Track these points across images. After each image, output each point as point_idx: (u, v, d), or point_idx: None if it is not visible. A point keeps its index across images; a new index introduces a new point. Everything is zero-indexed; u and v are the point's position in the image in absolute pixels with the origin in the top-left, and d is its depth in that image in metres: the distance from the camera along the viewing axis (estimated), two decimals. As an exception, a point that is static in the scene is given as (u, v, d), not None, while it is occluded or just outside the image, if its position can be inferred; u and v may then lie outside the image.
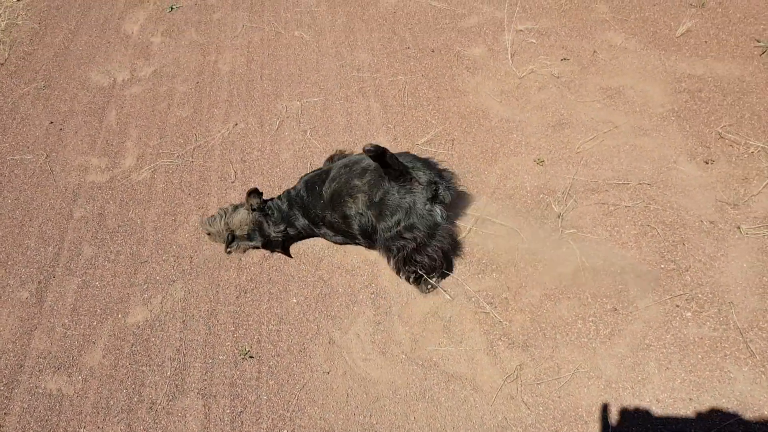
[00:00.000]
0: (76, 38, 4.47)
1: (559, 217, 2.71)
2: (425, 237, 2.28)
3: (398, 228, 2.26)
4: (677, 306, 2.41)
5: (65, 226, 3.07)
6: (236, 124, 3.51)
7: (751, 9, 3.60)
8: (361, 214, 2.38)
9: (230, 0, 4.62)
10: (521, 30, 3.80)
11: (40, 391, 2.47)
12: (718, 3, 3.71)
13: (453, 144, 3.15)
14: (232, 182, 3.15)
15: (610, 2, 3.88)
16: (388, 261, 2.37)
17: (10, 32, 4.58)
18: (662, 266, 2.51)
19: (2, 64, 4.25)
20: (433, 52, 3.79)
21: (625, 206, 2.72)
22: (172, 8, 4.65)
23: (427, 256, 2.34)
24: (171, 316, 2.64)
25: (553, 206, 2.77)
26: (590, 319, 2.41)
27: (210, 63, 4.02)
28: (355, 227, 2.43)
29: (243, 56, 4.03)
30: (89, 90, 3.96)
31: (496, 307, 2.49)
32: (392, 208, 2.26)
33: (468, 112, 3.31)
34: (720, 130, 2.97)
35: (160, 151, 3.42)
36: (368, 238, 2.45)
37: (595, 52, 3.54)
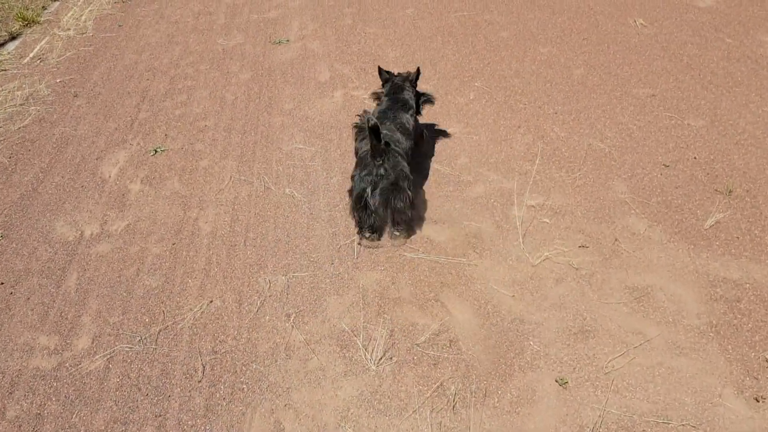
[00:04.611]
0: (46, 179, 4.09)
1: (589, 466, 2.22)
2: None
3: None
4: None
5: (-8, 430, 2.52)
6: (211, 301, 3.06)
7: (784, 203, 3.30)
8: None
9: (220, 147, 4.29)
10: (532, 206, 3.46)
11: None
12: (745, 191, 3.41)
13: (458, 346, 2.69)
14: (199, 381, 2.65)
15: (628, 181, 3.58)
16: None
17: (-23, 166, 4.20)
18: None
19: (-40, 206, 3.82)
20: (435, 223, 3.41)
21: (669, 456, 2.24)
22: (156, 151, 4.31)
23: None
24: None
25: (581, 449, 2.28)
26: None
27: (190, 220, 3.62)
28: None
29: (227, 214, 3.64)
30: (51, 245, 3.52)
31: None
32: None
33: (476, 305, 2.90)
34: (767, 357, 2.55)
35: (120, 331, 2.93)
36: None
37: (616, 240, 3.18)
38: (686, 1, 5.75)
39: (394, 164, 3.19)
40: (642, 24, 5.43)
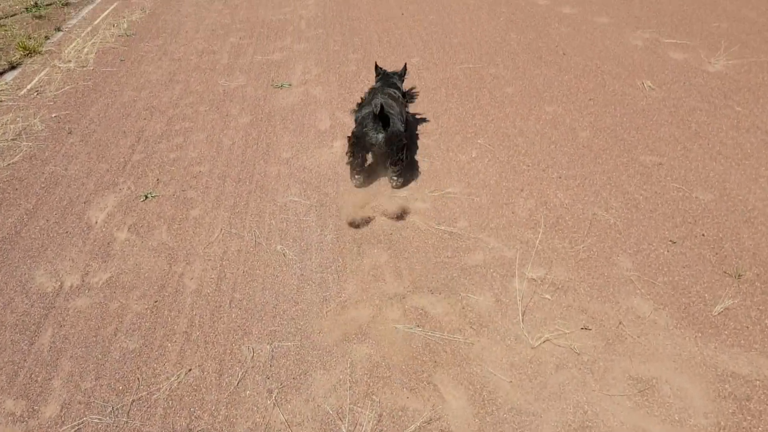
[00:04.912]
0: (31, 222, 3.93)
1: None
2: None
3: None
4: None
5: None
6: (190, 370, 2.88)
7: (796, 292, 3.15)
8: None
9: (212, 195, 4.15)
10: (534, 279, 3.30)
11: None
12: (756, 275, 3.26)
13: (451, 440, 2.51)
14: (170, 464, 2.44)
15: (633, 257, 3.43)
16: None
17: (-38, 204, 4.05)
18: None
19: (-63, 249, 3.66)
20: (431, 293, 3.25)
21: None
22: (146, 196, 4.17)
23: None
24: None
25: None
26: None
27: (175, 275, 3.46)
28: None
29: (214, 271, 3.47)
30: (29, 296, 3.35)
31: None
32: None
33: (471, 391, 2.74)
34: (784, 470, 2.36)
35: (91, 399, 2.74)
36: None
37: (620, 323, 3.01)
38: (695, 65, 5.68)
39: (392, 128, 4.05)
40: (650, 86, 5.34)
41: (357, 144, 4.10)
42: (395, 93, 4.52)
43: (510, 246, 3.60)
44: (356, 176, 4.24)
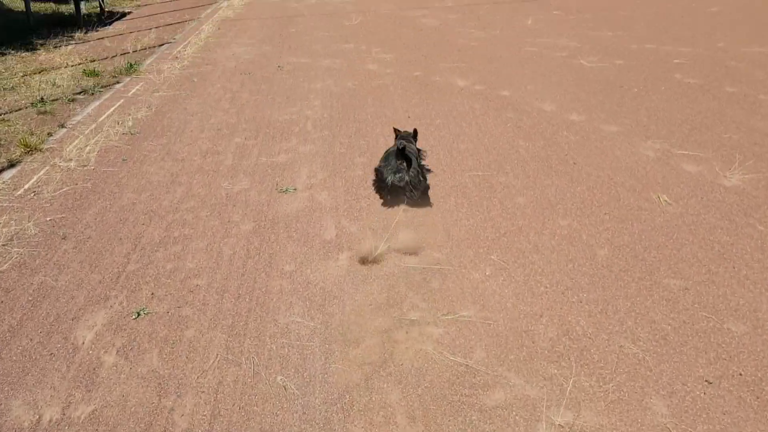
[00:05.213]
0: (13, 341, 3.62)
1: None
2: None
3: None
4: None
5: None
6: None
7: None
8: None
9: (210, 313, 3.86)
10: (561, 425, 2.97)
11: None
12: (806, 427, 2.92)
13: None
14: None
15: (668, 399, 3.13)
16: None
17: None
18: None
19: None
20: (448, 439, 2.91)
21: None
22: (139, 314, 3.88)
23: None
24: None
25: None
26: None
27: (164, 411, 3.12)
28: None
29: (208, 406, 3.15)
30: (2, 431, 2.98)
31: None
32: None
33: None
34: None
35: None
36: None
37: (661, 485, 2.65)
38: (710, 178, 5.55)
39: (415, 169, 5.04)
40: (666, 201, 5.17)
41: (382, 188, 5.17)
42: (412, 144, 5.38)
43: (532, 383, 3.29)
44: (386, 196, 5.21)
